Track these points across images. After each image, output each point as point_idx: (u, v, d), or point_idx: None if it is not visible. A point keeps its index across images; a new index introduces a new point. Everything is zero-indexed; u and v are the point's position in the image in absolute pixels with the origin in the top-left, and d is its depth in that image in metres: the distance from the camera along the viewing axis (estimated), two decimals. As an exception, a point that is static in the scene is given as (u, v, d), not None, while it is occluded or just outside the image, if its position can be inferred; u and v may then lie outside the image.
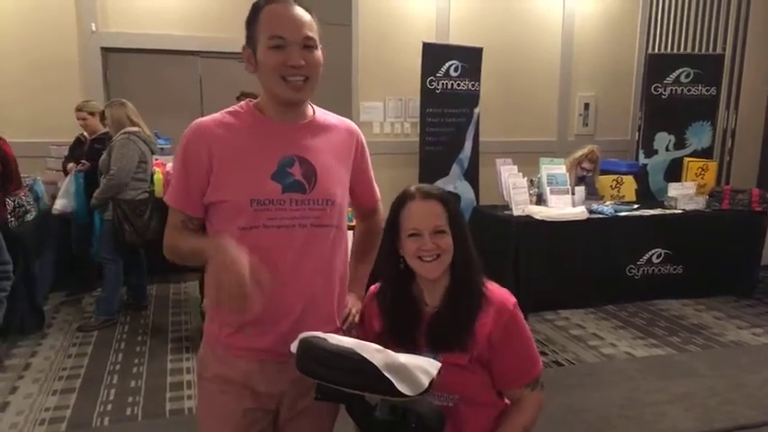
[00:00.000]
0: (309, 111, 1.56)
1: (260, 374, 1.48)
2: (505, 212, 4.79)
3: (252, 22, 1.45)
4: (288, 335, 1.42)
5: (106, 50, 5.61)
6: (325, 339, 1.33)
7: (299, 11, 1.44)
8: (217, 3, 5.62)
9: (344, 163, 1.57)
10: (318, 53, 1.45)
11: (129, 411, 3.18)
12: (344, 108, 5.91)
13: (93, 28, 5.43)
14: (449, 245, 1.49)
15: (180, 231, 1.49)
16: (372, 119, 6.22)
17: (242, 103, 1.54)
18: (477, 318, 1.48)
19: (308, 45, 1.43)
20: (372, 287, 1.66)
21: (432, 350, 1.42)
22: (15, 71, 5.26)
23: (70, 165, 4.73)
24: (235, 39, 5.23)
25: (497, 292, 1.54)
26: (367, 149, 1.69)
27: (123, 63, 5.76)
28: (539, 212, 4.67)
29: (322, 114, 1.58)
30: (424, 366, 1.30)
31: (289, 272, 1.44)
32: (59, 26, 5.40)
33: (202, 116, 1.50)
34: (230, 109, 1.52)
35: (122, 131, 4.25)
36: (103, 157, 4.29)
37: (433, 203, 1.50)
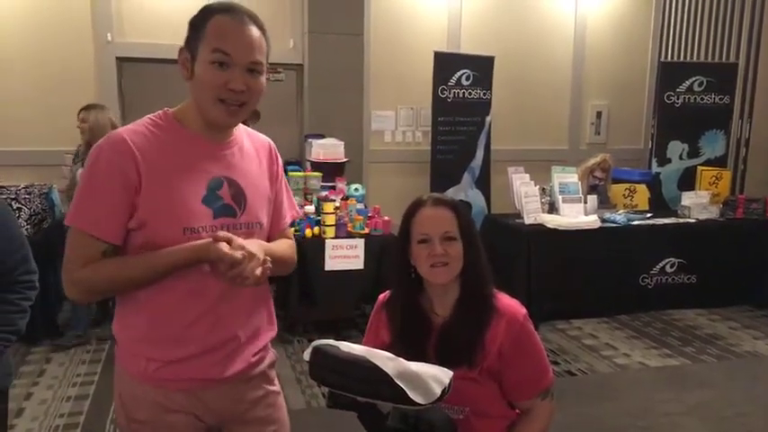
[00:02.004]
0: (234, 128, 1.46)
1: (202, 401, 1.41)
2: (517, 221, 4.78)
3: (197, 25, 1.32)
4: (228, 358, 1.41)
5: (121, 60, 5.68)
6: (337, 347, 1.34)
7: (253, 30, 1.32)
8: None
9: (268, 181, 1.49)
10: (262, 79, 1.36)
11: (141, 418, 3.19)
12: (356, 117, 5.93)
13: (109, 38, 5.50)
14: (459, 252, 1.48)
15: (103, 263, 1.28)
16: (384, 127, 6.24)
17: (160, 112, 1.40)
18: (486, 330, 1.48)
19: (254, 70, 1.33)
20: (381, 296, 1.66)
21: (440, 364, 1.42)
22: (31, 80, 5.34)
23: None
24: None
25: (508, 303, 1.53)
26: (281, 164, 1.59)
27: (138, 72, 5.83)
28: (551, 221, 4.66)
29: (240, 128, 1.48)
30: (437, 375, 1.30)
31: (223, 300, 1.37)
32: (75, 36, 5.47)
33: None
34: (151, 118, 1.38)
35: None
36: (81, 170, 3.94)
37: (444, 210, 1.50)
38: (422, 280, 1.52)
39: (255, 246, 1.33)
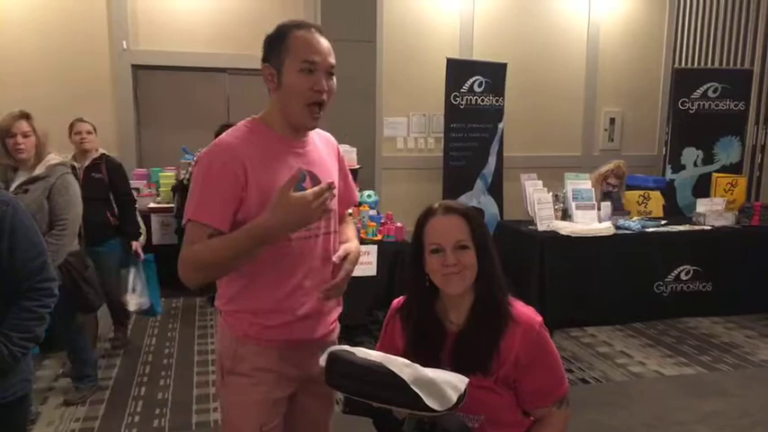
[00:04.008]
0: None
1: (292, 360, 1.62)
2: (530, 228, 4.76)
3: (278, 43, 1.53)
4: (316, 323, 1.65)
5: (136, 68, 5.74)
6: (353, 353, 1.34)
7: (325, 39, 1.57)
8: (244, 21, 5.73)
9: (335, 173, 1.72)
10: (334, 81, 1.59)
11: (156, 423, 3.21)
12: (368, 123, 5.96)
13: (125, 46, 5.57)
14: (472, 260, 1.48)
15: (209, 240, 1.48)
16: (396, 134, 6.25)
17: (248, 120, 1.61)
18: (502, 338, 1.47)
19: (331, 72, 1.56)
20: (395, 301, 1.66)
21: (455, 371, 1.41)
22: (48, 88, 5.41)
23: (135, 244, 4.08)
24: (257, 57, 5.33)
25: (523, 311, 1.52)
26: (343, 157, 1.85)
27: (153, 80, 5.89)
28: (564, 228, 4.64)
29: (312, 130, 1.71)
30: (453, 382, 1.30)
31: (312, 278, 1.61)
32: (91, 44, 5.55)
33: None
34: (241, 128, 1.58)
35: (59, 163, 3.20)
36: (37, 195, 3.06)
37: (456, 218, 1.50)
38: (436, 287, 1.52)
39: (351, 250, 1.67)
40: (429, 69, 6.13)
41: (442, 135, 5.98)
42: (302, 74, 1.51)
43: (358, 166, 5.04)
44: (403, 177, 6.19)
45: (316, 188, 1.43)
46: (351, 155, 5.03)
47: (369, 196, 4.68)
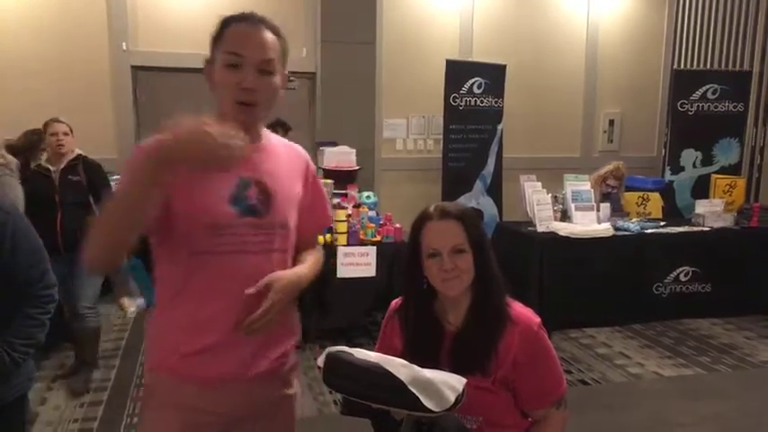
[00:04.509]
0: (263, 133, 1.51)
1: (212, 399, 1.42)
2: (529, 229, 4.76)
3: (216, 37, 1.43)
4: (250, 357, 1.43)
5: (136, 69, 5.74)
6: (351, 354, 1.34)
7: (265, 33, 1.41)
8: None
9: (296, 187, 1.53)
10: (275, 80, 1.41)
11: (154, 424, 3.21)
12: (368, 125, 5.96)
13: (125, 47, 5.57)
14: (468, 264, 1.47)
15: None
16: (396, 135, 6.25)
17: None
18: (500, 339, 1.47)
19: (265, 69, 1.39)
20: (393, 302, 1.66)
21: (453, 372, 1.41)
22: (47, 88, 5.40)
23: None
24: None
25: (521, 311, 1.52)
26: (317, 175, 1.64)
27: (152, 81, 5.89)
28: (563, 229, 4.64)
29: (273, 138, 1.55)
30: (451, 382, 1.30)
31: (240, 299, 1.35)
32: (91, 44, 5.54)
33: None
34: None
35: None
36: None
37: (451, 223, 1.49)
38: (434, 289, 1.52)
39: (285, 282, 1.40)
40: (428, 71, 6.13)
41: (441, 136, 5.98)
42: (228, 69, 1.37)
43: (357, 168, 5.05)
44: (402, 178, 6.19)
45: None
46: (350, 156, 5.03)
47: (368, 197, 4.68)
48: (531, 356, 1.47)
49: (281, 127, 5.19)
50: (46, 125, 3.73)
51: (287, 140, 1.60)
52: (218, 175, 1.36)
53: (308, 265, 1.53)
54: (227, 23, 1.42)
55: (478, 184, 6.06)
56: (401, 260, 1.69)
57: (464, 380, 1.32)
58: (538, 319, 1.52)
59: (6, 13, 5.34)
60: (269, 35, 1.41)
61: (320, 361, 1.36)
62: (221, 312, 1.38)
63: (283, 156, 1.53)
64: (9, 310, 1.72)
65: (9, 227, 1.69)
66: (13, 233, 1.70)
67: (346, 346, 1.39)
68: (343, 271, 4.13)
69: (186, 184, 1.33)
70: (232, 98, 1.38)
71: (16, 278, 1.71)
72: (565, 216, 4.88)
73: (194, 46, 5.71)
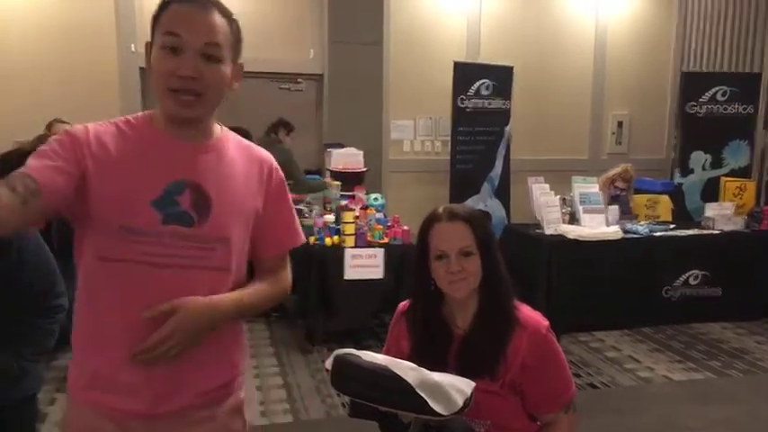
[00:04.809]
0: (214, 130, 1.32)
1: None
2: (537, 231, 4.74)
3: (155, 17, 1.23)
4: (166, 391, 1.23)
5: (144, 70, 5.76)
6: (359, 357, 1.33)
7: (212, 14, 1.21)
8: (249, 24, 5.71)
9: (251, 197, 1.31)
10: (221, 69, 1.22)
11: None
12: (375, 126, 5.95)
13: (133, 48, 5.59)
14: (476, 266, 1.47)
15: None
16: (403, 137, 6.24)
17: (141, 113, 1.31)
18: (508, 342, 1.46)
19: (209, 54, 1.19)
20: (401, 305, 1.65)
21: (461, 375, 1.40)
22: (55, 91, 5.41)
23: None
24: (271, 60, 5.33)
25: (530, 315, 1.52)
26: (286, 187, 1.41)
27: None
28: (571, 231, 4.62)
29: (230, 137, 1.35)
30: (459, 385, 1.29)
31: (157, 321, 1.17)
32: (99, 46, 5.56)
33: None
34: (127, 117, 1.29)
35: None
36: None
37: (460, 225, 1.48)
38: (442, 291, 1.51)
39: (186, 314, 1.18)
40: (436, 72, 6.12)
41: (448, 138, 5.98)
42: (163, 53, 1.18)
43: (365, 169, 5.04)
44: (410, 180, 6.18)
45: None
46: (357, 158, 5.03)
47: (375, 199, 4.68)
48: (539, 360, 1.46)
49: (283, 127, 5.19)
50: (50, 125, 3.75)
51: (249, 142, 1.39)
52: (146, 174, 1.20)
53: (241, 294, 1.29)
54: (168, 3, 1.21)
55: (486, 187, 6.04)
56: (409, 262, 1.66)
57: (472, 383, 1.31)
58: (546, 323, 1.51)
59: (13, 13, 5.36)
60: (217, 17, 1.21)
61: (328, 363, 1.36)
62: (123, 333, 1.19)
63: (238, 159, 1.31)
64: (19, 321, 1.72)
65: (15, 239, 1.67)
66: (20, 246, 1.69)
67: (354, 348, 1.38)
68: (351, 273, 4.12)
69: (109, 171, 1.18)
70: (165, 86, 1.18)
71: (25, 291, 1.71)
72: (573, 218, 4.85)
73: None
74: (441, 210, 1.53)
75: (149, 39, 1.24)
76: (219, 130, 1.34)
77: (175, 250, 1.21)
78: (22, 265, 1.69)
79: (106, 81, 5.61)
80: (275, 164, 1.39)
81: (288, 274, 1.43)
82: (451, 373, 1.39)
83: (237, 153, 1.33)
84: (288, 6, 5.81)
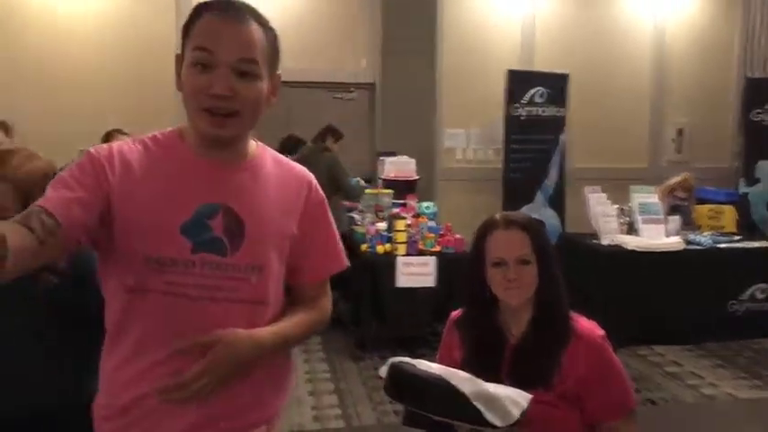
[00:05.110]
0: (249, 147, 1.22)
1: None
2: (593, 241, 4.63)
3: (186, 28, 1.12)
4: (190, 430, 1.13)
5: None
6: (414, 365, 1.33)
7: (247, 25, 1.09)
8: (306, 34, 5.82)
9: (287, 219, 1.20)
10: (258, 85, 1.11)
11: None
12: (427, 134, 5.95)
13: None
14: (533, 275, 1.46)
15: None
16: (455, 145, 6.22)
17: (171, 128, 1.21)
18: (563, 352, 1.44)
19: (244, 71, 1.09)
20: (453, 314, 1.64)
21: (514, 384, 1.39)
22: (118, 102, 5.55)
23: None
24: (322, 69, 5.39)
25: (585, 325, 1.50)
26: (327, 207, 1.29)
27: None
28: (630, 242, 4.49)
29: (266, 154, 1.24)
30: (514, 397, 1.28)
31: (191, 355, 1.07)
32: (162, 57, 5.74)
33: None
34: (155, 133, 1.20)
35: None
36: None
37: (518, 232, 1.48)
38: (495, 299, 1.50)
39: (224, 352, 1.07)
40: (489, 80, 6.08)
41: (501, 146, 5.92)
42: (194, 70, 1.08)
43: (417, 178, 5.05)
44: (462, 189, 6.14)
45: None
46: (410, 166, 5.05)
47: (427, 207, 4.68)
48: (596, 369, 1.44)
49: (331, 134, 5.23)
50: (108, 135, 3.70)
51: (287, 159, 1.29)
52: (174, 197, 1.11)
53: (282, 328, 1.18)
54: (199, 12, 1.10)
55: (540, 196, 5.96)
56: (461, 271, 1.64)
57: (529, 396, 1.29)
58: (602, 332, 1.49)
59: (77, 25, 5.55)
60: (253, 28, 1.10)
61: (382, 371, 1.36)
62: (153, 367, 1.10)
63: (274, 178, 1.21)
64: (90, 346, 1.53)
65: (72, 257, 1.45)
66: (73, 262, 1.48)
67: (405, 356, 1.38)
68: (403, 281, 4.13)
69: (134, 195, 1.09)
70: (198, 105, 1.09)
71: (87, 310, 1.46)
72: (631, 229, 4.72)
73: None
74: (498, 217, 1.53)
75: (180, 51, 1.14)
76: (255, 146, 1.24)
77: (207, 281, 1.10)
78: (82, 285, 1.48)
79: (168, 93, 5.78)
80: (314, 182, 1.28)
81: (328, 302, 1.32)
82: (504, 381, 1.38)
83: (274, 172, 1.22)
84: (341, 16, 5.89)
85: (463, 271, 1.63)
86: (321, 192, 1.28)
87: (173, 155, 1.16)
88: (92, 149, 1.12)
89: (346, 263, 1.32)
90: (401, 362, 1.34)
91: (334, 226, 1.31)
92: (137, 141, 1.17)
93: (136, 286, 1.10)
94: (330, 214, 1.30)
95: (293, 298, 1.28)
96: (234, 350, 1.08)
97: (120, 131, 3.71)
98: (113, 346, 1.16)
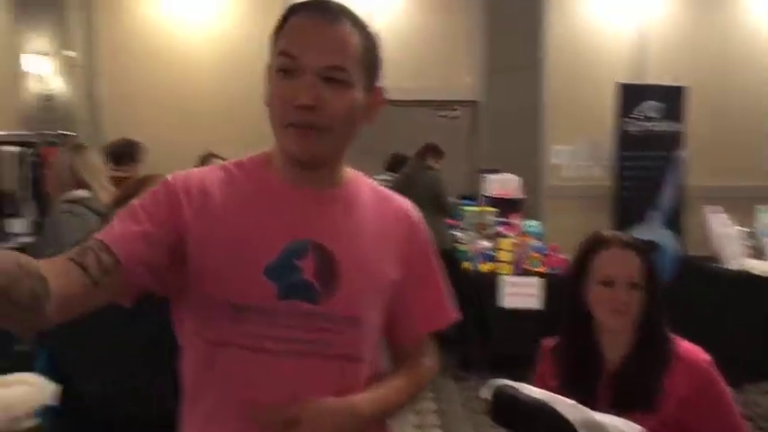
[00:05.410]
0: (343, 173, 1.05)
1: None
2: (715, 266, 4.32)
3: (275, 32, 0.99)
4: None
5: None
6: (517, 389, 1.31)
7: (339, 26, 0.95)
8: (408, 52, 5.84)
9: (388, 261, 1.03)
10: (350, 94, 0.95)
11: None
12: (533, 151, 5.84)
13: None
14: (640, 299, 1.41)
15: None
16: (562, 162, 6.05)
17: (258, 152, 1.07)
18: (664, 375, 1.39)
19: (332, 78, 0.93)
20: (545, 342, 1.61)
21: (614, 410, 1.34)
22: (235, 129, 5.71)
23: None
24: (425, 88, 5.43)
25: (688, 348, 1.44)
26: (433, 249, 1.12)
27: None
28: (757, 267, 4.16)
29: (362, 183, 1.08)
30: (622, 428, 1.23)
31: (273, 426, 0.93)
32: (258, 76, 6.04)
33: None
34: (243, 158, 1.06)
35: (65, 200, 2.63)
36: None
37: (632, 254, 1.43)
38: (593, 321, 1.46)
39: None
40: (598, 93, 5.87)
41: (611, 163, 5.70)
42: (278, 77, 0.95)
43: (521, 196, 4.96)
44: (569, 208, 5.94)
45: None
46: (514, 184, 4.98)
47: (532, 226, 4.58)
48: (701, 394, 1.37)
49: (432, 152, 5.24)
50: (204, 159, 3.52)
51: (386, 190, 1.11)
52: (260, 232, 0.96)
53: (382, 394, 1.02)
54: (288, 15, 0.98)
55: (654, 215, 5.65)
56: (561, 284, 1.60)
57: (638, 427, 1.24)
58: (707, 357, 1.42)
59: (195, 51, 5.90)
60: (346, 29, 0.95)
61: (484, 393, 1.35)
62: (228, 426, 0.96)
63: (371, 212, 1.04)
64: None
65: None
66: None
67: (508, 378, 1.36)
68: (507, 301, 4.06)
69: (213, 230, 0.96)
70: (282, 119, 0.95)
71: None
72: (759, 253, 4.37)
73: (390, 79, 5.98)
74: (609, 234, 1.49)
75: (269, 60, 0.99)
76: (350, 173, 1.07)
77: (294, 333, 0.94)
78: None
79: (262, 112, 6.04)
80: (419, 217, 1.11)
81: (434, 360, 1.14)
82: (602, 406, 1.34)
83: (371, 203, 1.05)
84: (444, 35, 5.92)
85: (563, 284, 1.58)
86: (427, 229, 1.11)
87: (258, 182, 1.01)
88: (169, 177, 1.00)
89: (456, 315, 1.13)
90: (504, 385, 1.33)
91: (441, 270, 1.13)
92: (220, 167, 1.04)
93: (211, 337, 0.96)
94: (436, 257, 1.13)
95: (393, 354, 1.11)
96: (324, 424, 0.93)
97: (214, 155, 3.49)
98: (189, 414, 1.02)
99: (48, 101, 5.58)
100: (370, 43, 0.99)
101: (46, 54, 5.53)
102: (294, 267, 0.96)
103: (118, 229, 0.92)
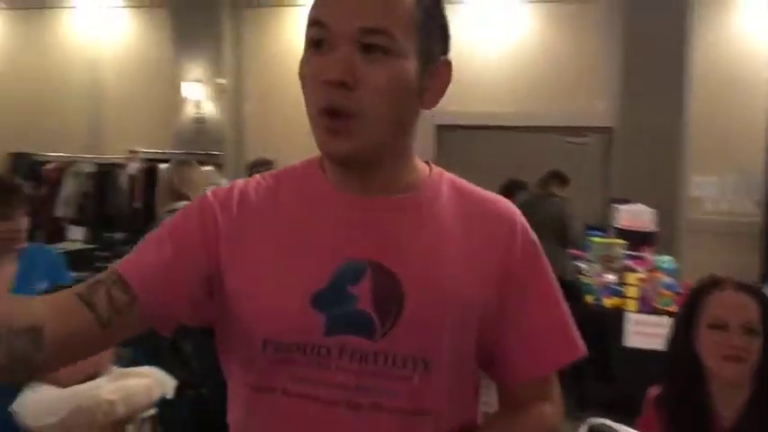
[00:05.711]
0: (411, 173, 0.86)
1: None
2: None
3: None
4: None
5: (441, 128, 6.21)
6: (615, 430, 1.25)
7: None
8: (537, 75, 5.72)
9: (480, 281, 0.81)
10: (395, 67, 0.75)
11: None
12: (671, 182, 5.47)
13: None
14: (757, 349, 1.30)
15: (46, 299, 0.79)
16: (705, 194, 5.60)
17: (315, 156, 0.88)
18: None
19: (373, 45, 0.74)
20: (650, 391, 1.52)
21: None
22: None
23: None
24: (553, 112, 5.33)
25: None
26: (545, 262, 0.88)
27: (457, 140, 6.29)
28: None
29: (443, 183, 0.87)
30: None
31: None
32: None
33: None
34: (294, 167, 0.91)
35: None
36: None
37: (748, 297, 1.33)
38: (704, 371, 1.34)
39: None
40: (748, 119, 5.38)
41: (763, 197, 5.19)
42: (308, 53, 0.78)
43: (654, 229, 4.67)
44: (711, 244, 5.47)
45: None
46: (647, 215, 4.70)
47: (665, 262, 4.28)
48: None
49: (557, 179, 5.08)
50: (252, 168, 3.49)
51: (481, 191, 0.89)
52: (306, 247, 0.79)
53: None
54: None
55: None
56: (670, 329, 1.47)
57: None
58: None
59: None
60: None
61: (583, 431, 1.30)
62: None
63: (452, 218, 0.83)
64: None
65: None
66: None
67: (627, 423, 1.31)
68: (632, 340, 3.82)
69: (254, 253, 0.81)
70: (316, 104, 0.77)
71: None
72: None
73: (501, 104, 5.88)
74: (724, 276, 1.40)
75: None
76: (427, 173, 0.87)
77: (347, 377, 0.76)
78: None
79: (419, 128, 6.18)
80: (522, 222, 0.87)
81: (555, 410, 0.91)
82: None
83: (454, 207, 0.84)
84: (577, 57, 5.72)
85: (671, 329, 1.48)
86: (535, 239, 0.87)
87: (306, 191, 0.84)
88: (209, 191, 0.86)
89: (582, 348, 0.91)
90: (602, 424, 1.28)
91: (558, 289, 0.90)
92: (271, 176, 0.88)
93: (254, 382, 0.81)
94: (551, 273, 0.89)
95: (501, 399, 0.90)
96: None
97: (265, 162, 3.22)
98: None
99: (200, 123, 6.24)
100: (426, 2, 0.78)
101: (200, 81, 6.19)
102: (346, 295, 0.77)
103: (138, 257, 0.81)
